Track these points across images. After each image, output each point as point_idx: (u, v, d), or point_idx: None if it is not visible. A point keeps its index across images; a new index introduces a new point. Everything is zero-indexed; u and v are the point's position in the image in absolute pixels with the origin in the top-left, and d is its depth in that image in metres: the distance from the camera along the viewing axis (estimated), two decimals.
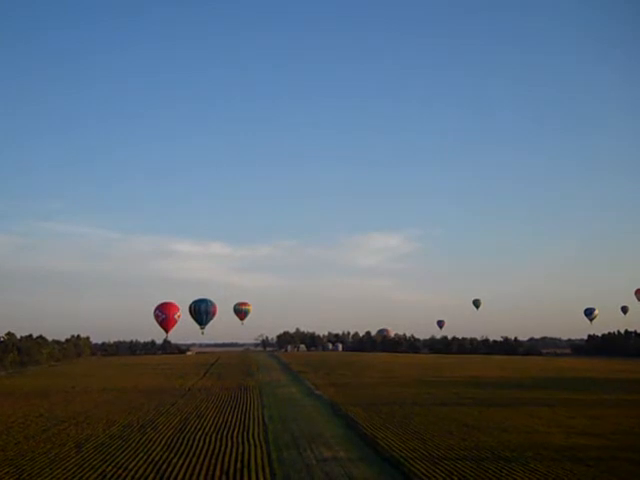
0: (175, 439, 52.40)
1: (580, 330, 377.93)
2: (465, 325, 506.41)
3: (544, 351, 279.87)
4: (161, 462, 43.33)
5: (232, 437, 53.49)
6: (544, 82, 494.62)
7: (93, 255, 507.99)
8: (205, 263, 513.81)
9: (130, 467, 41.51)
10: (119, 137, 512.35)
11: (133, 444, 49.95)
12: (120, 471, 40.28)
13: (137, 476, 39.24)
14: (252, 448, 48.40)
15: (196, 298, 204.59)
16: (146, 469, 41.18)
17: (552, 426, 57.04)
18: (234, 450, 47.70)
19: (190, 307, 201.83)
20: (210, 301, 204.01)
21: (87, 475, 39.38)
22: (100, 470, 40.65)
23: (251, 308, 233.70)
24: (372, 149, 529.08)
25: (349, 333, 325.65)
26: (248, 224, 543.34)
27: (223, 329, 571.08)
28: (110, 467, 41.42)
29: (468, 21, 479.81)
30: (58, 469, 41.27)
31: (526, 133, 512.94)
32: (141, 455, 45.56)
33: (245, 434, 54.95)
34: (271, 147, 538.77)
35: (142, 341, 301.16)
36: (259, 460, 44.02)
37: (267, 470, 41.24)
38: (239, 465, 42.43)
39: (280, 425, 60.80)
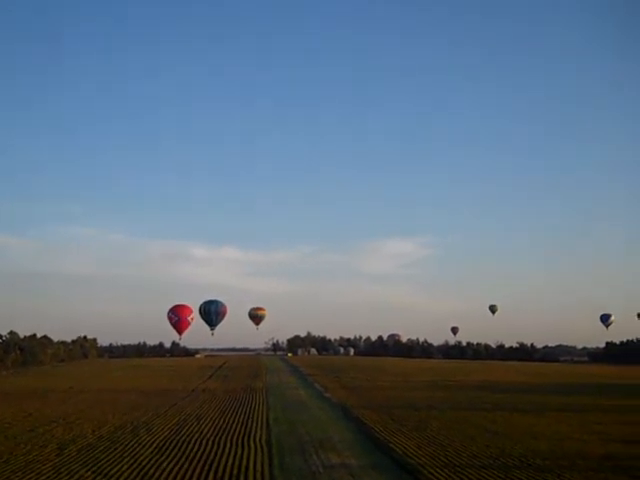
0: (169, 442, 47.66)
1: (595, 337, 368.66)
2: (479, 331, 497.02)
3: (561, 358, 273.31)
4: (149, 466, 38.64)
5: (232, 440, 48.73)
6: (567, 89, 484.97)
7: (104, 259, 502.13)
8: (217, 268, 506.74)
9: (112, 472, 36.82)
10: (132, 141, 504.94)
11: (121, 447, 45.21)
12: (100, 477, 35.61)
13: None
14: (252, 452, 43.70)
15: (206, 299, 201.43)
16: (130, 474, 36.52)
17: (585, 433, 51.74)
18: (232, 454, 43.00)
19: (200, 308, 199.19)
20: (220, 302, 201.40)
21: None
22: (78, 475, 36.03)
23: (266, 313, 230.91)
24: (388, 155, 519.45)
25: (361, 337, 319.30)
26: (262, 229, 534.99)
27: (235, 334, 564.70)
28: (89, 472, 36.74)
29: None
30: (32, 472, 36.72)
31: (542, 138, 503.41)
32: (127, 459, 40.81)
33: (246, 437, 50.18)
34: (285, 152, 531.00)
35: (151, 344, 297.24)
36: (259, 466, 39.29)
37: (267, 477, 36.63)
38: (235, 471, 37.73)
39: (285, 428, 56.03)
